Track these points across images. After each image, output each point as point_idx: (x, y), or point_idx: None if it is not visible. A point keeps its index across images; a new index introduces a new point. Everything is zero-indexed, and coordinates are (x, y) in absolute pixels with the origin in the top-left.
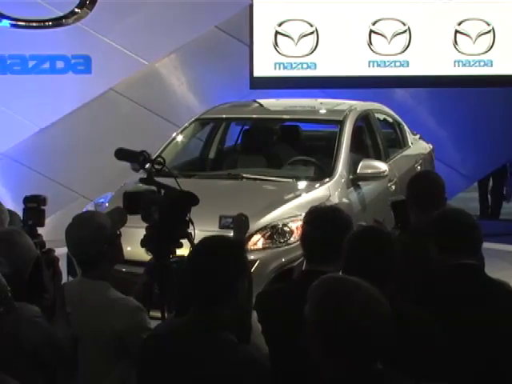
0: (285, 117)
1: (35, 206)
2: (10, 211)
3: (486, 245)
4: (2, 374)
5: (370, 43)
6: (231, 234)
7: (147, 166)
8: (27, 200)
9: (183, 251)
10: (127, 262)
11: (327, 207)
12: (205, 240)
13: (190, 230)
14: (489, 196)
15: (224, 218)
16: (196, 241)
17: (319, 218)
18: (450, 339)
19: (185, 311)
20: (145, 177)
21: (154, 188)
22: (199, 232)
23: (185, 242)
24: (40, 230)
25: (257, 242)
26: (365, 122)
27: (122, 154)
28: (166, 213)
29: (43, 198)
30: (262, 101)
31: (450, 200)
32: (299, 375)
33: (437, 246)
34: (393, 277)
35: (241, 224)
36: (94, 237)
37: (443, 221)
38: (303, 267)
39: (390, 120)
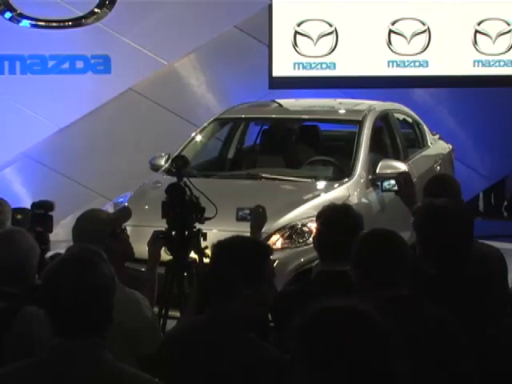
0: (304, 117)
1: (42, 213)
2: (27, 210)
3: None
4: None
5: (389, 43)
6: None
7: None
8: (34, 206)
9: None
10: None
11: (337, 206)
12: (225, 239)
13: (205, 230)
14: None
15: (241, 210)
16: (214, 240)
17: (328, 216)
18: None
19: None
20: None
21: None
22: (217, 232)
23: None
24: (59, 229)
25: (276, 242)
26: (384, 121)
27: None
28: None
29: (50, 204)
30: (281, 101)
31: (467, 200)
32: None
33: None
34: (405, 277)
35: (258, 216)
36: (95, 232)
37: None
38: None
39: (410, 120)
